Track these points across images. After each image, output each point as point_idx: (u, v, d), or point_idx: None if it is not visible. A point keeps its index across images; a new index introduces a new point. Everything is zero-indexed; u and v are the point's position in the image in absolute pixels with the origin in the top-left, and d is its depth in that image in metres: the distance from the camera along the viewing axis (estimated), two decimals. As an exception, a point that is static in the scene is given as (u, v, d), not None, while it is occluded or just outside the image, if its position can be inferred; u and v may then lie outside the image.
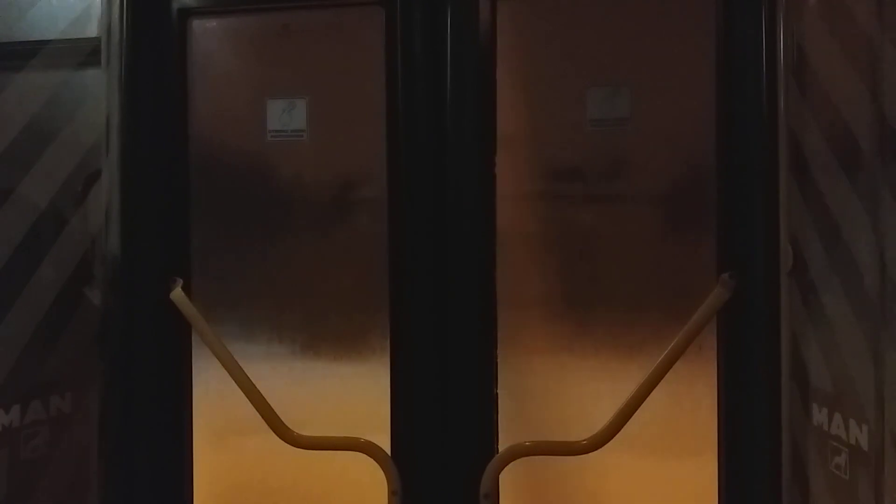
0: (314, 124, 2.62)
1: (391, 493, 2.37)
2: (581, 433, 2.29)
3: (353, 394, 2.56)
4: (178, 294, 2.59)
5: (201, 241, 2.69)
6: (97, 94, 2.60)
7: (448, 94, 2.51)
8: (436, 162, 2.52)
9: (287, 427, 2.43)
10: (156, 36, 2.67)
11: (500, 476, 2.36)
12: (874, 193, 1.84)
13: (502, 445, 2.44)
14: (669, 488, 2.39)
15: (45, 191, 2.50)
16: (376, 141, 2.56)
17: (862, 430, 1.87)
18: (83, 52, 2.60)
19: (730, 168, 2.36)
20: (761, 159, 2.31)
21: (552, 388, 2.48)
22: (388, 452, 2.44)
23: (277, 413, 2.44)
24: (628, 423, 2.25)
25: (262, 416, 2.44)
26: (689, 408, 2.38)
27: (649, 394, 2.25)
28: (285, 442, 2.43)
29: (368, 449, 2.40)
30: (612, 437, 2.25)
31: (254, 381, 2.47)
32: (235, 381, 2.48)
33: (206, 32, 2.70)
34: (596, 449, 2.26)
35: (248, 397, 2.46)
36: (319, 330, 2.61)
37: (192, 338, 2.65)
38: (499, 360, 2.51)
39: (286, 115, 2.63)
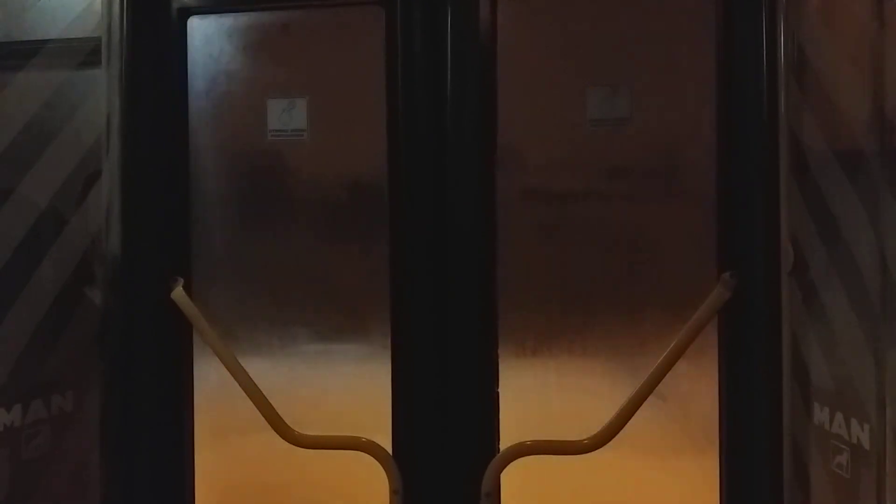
0: (315, 124, 2.62)
1: (392, 491, 2.38)
2: (582, 432, 2.29)
3: (355, 393, 2.56)
4: (178, 293, 2.59)
5: (202, 240, 2.69)
6: (97, 93, 2.60)
7: (448, 93, 2.51)
8: (436, 161, 2.52)
9: (288, 426, 2.44)
10: (156, 35, 2.67)
11: (501, 475, 2.37)
12: (874, 193, 1.85)
13: (503, 445, 2.45)
14: (671, 487, 2.39)
15: (45, 190, 2.49)
16: (377, 140, 2.56)
17: (863, 429, 1.88)
18: (83, 52, 2.60)
19: (730, 167, 2.36)
20: (762, 159, 2.31)
21: (553, 387, 2.48)
22: (390, 451, 2.44)
23: (278, 412, 2.44)
24: (629, 422, 2.25)
25: (264, 415, 2.44)
26: (690, 407, 2.39)
27: (650, 393, 2.25)
28: (286, 441, 2.44)
29: (370, 448, 2.41)
30: (613, 437, 2.26)
31: (255, 381, 2.48)
32: (236, 380, 2.48)
33: (206, 32, 2.69)
34: (597, 448, 2.27)
35: (249, 396, 2.46)
36: (320, 329, 2.61)
37: (193, 337, 2.65)
38: (500, 359, 2.51)
39: (286, 115, 2.63)
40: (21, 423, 2.35)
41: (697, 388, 2.38)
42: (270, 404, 2.44)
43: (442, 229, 2.51)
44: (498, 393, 2.51)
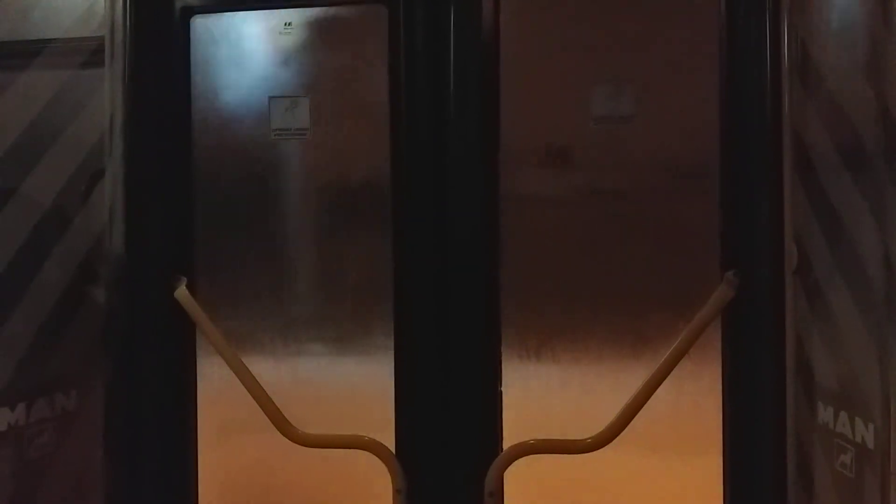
0: (318, 123, 2.62)
1: (395, 491, 2.38)
2: (585, 431, 2.29)
3: (358, 392, 2.56)
4: (182, 292, 2.59)
5: (205, 239, 2.69)
6: (100, 92, 2.60)
7: (451, 91, 2.51)
8: (439, 160, 2.52)
9: (291, 425, 2.44)
10: (159, 34, 2.67)
11: (504, 474, 2.36)
12: (879, 191, 1.84)
13: (507, 444, 2.45)
14: (674, 486, 2.39)
15: (48, 190, 2.50)
16: (380, 139, 2.56)
17: (868, 429, 1.87)
18: (86, 51, 2.60)
19: (734, 166, 2.36)
20: (765, 157, 2.31)
21: (556, 386, 2.47)
22: (393, 450, 2.44)
23: (282, 411, 2.44)
24: (633, 421, 2.25)
25: (267, 414, 2.45)
26: (693, 406, 2.38)
27: (654, 392, 2.25)
28: (290, 440, 2.44)
29: (373, 447, 2.41)
30: (616, 436, 2.25)
31: (258, 379, 2.48)
32: (240, 379, 2.48)
33: (209, 31, 2.70)
34: (600, 447, 2.27)
35: (252, 395, 2.46)
36: (324, 328, 2.61)
37: (197, 336, 2.66)
38: (503, 358, 2.50)
39: (290, 114, 2.63)
40: (25, 422, 2.35)
41: (701, 387, 2.38)
42: (274, 403, 2.45)
43: (445, 228, 2.51)
44: (501, 392, 2.50)
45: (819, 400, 2.10)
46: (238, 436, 2.66)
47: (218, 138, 2.69)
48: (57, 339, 2.47)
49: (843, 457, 1.98)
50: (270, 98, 2.64)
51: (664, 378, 2.25)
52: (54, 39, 2.56)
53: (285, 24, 2.65)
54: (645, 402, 2.25)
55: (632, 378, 2.34)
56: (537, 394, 2.48)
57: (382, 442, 2.43)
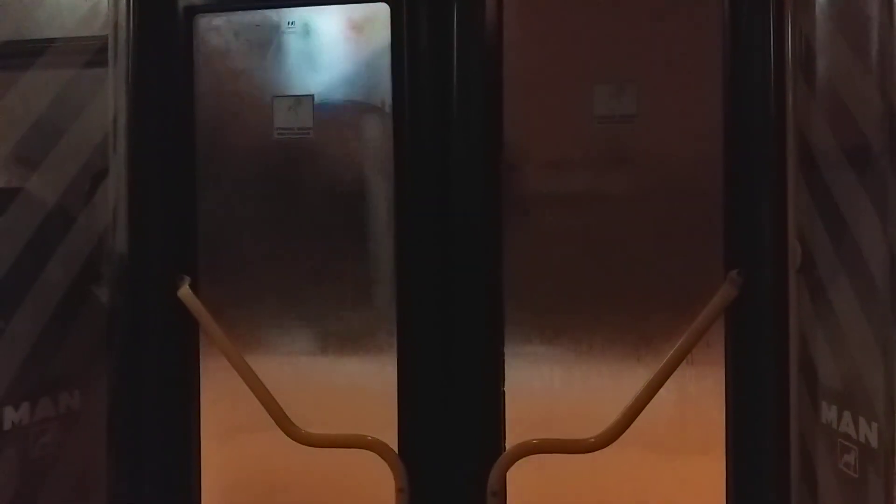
0: (320, 121, 2.62)
1: (398, 490, 2.38)
2: (588, 431, 2.29)
3: (361, 391, 2.56)
4: (185, 292, 2.59)
5: (208, 238, 2.69)
6: (104, 92, 2.61)
7: (454, 90, 2.50)
8: (442, 159, 2.52)
9: (294, 424, 2.44)
10: (162, 34, 2.67)
11: (507, 474, 2.36)
12: (883, 189, 1.84)
13: (509, 443, 2.44)
14: (677, 486, 2.39)
15: (52, 189, 2.50)
16: (383, 138, 2.56)
17: (871, 428, 1.86)
18: (90, 51, 2.61)
19: (737, 164, 2.35)
20: (769, 156, 2.30)
21: (559, 386, 2.47)
22: (396, 450, 2.44)
23: (284, 410, 2.45)
24: (636, 420, 2.24)
25: (270, 413, 2.45)
26: (696, 405, 2.38)
27: (657, 391, 2.25)
28: (293, 439, 2.44)
29: (375, 446, 2.41)
30: (619, 435, 2.25)
31: (261, 379, 2.48)
32: (243, 379, 2.48)
33: (212, 30, 2.70)
34: (603, 447, 2.26)
35: (255, 394, 2.46)
36: (327, 327, 2.61)
37: (200, 335, 2.66)
38: (506, 357, 2.50)
39: (292, 113, 2.63)
40: (29, 421, 2.36)
41: (704, 386, 2.37)
42: (276, 402, 2.45)
43: (448, 227, 2.51)
44: (504, 392, 2.50)
45: (823, 399, 2.09)
46: (241, 435, 2.67)
47: (221, 137, 2.70)
48: (61, 338, 2.48)
49: (847, 456, 1.97)
50: (273, 97, 2.64)
51: (667, 377, 2.25)
52: (58, 39, 2.57)
53: (288, 23, 2.65)
54: (648, 402, 2.24)
55: (635, 377, 2.34)
56: (540, 393, 2.48)
57: (385, 441, 2.43)
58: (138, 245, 2.63)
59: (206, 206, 2.70)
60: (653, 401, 2.25)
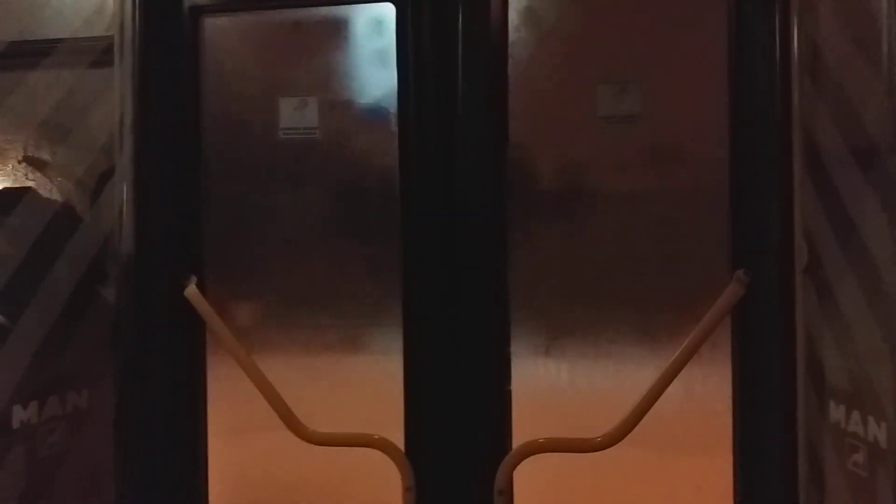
0: (326, 121, 2.62)
1: (405, 489, 2.38)
2: (595, 430, 2.29)
3: (367, 390, 2.57)
4: (191, 291, 2.59)
5: (214, 237, 2.69)
6: (110, 92, 2.61)
7: (459, 90, 2.50)
8: (447, 158, 2.52)
9: (301, 423, 2.44)
10: (168, 34, 2.67)
11: (513, 473, 2.36)
12: (890, 188, 1.84)
13: (516, 442, 2.44)
14: (684, 485, 2.38)
15: (59, 189, 2.51)
16: (388, 138, 2.56)
17: (880, 428, 1.86)
18: (96, 51, 2.61)
19: (743, 164, 2.35)
20: (775, 155, 2.30)
21: (566, 385, 2.47)
22: (402, 449, 2.45)
23: (291, 409, 2.45)
24: (643, 420, 2.24)
25: (277, 413, 2.45)
26: (703, 405, 2.38)
27: (664, 391, 2.25)
28: (299, 438, 2.44)
29: (382, 445, 2.41)
30: (626, 435, 2.25)
31: (268, 377, 2.48)
32: (249, 378, 2.49)
33: (218, 30, 2.70)
34: (610, 446, 2.26)
35: (262, 393, 2.46)
36: (333, 326, 2.62)
37: (206, 334, 2.66)
38: (512, 356, 2.50)
39: (298, 113, 2.64)
40: (38, 420, 2.36)
41: (710, 386, 2.37)
42: (283, 401, 2.45)
43: (453, 227, 2.51)
44: (510, 391, 2.50)
45: (830, 399, 2.09)
46: (248, 434, 2.67)
47: (227, 137, 2.70)
48: (68, 337, 2.48)
49: (856, 456, 1.97)
50: (279, 97, 2.64)
51: (674, 377, 2.25)
52: (64, 39, 2.57)
53: (293, 24, 2.65)
54: (655, 401, 2.24)
55: (641, 377, 2.34)
56: (546, 392, 2.48)
57: (392, 440, 2.43)
58: (145, 244, 2.63)
59: (213, 206, 2.70)
60: (660, 400, 2.24)
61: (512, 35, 2.51)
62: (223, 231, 2.70)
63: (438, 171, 2.52)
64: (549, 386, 2.48)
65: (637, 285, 2.43)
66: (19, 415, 2.31)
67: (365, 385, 2.58)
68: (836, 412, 2.05)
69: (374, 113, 2.60)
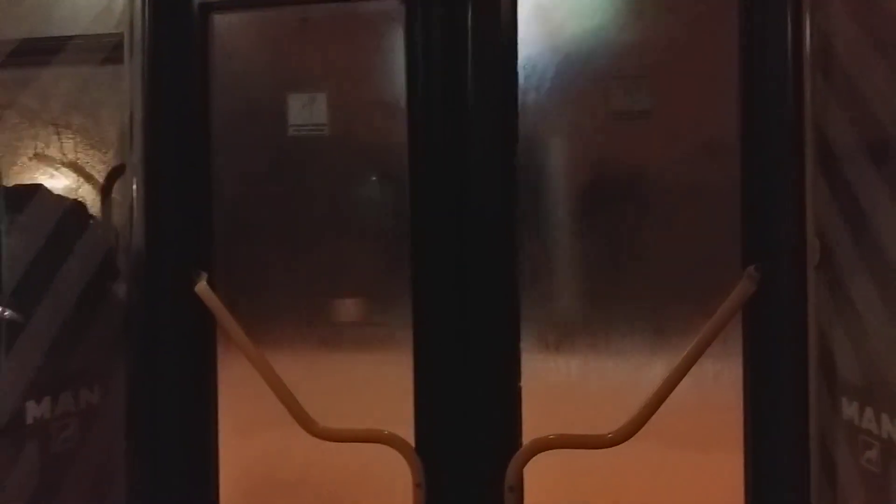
0: (335, 118, 2.62)
1: (415, 485, 2.38)
2: (606, 426, 2.28)
3: (378, 386, 2.57)
4: (202, 287, 2.60)
5: (225, 234, 2.70)
6: (120, 89, 2.62)
7: (469, 87, 2.50)
8: (457, 155, 2.51)
9: (312, 419, 2.45)
10: (178, 31, 2.68)
11: (524, 469, 2.36)
12: (903, 184, 1.83)
13: (527, 438, 2.44)
14: (695, 482, 2.38)
15: (69, 186, 2.52)
16: (397, 135, 2.56)
17: (894, 424, 1.86)
18: (106, 48, 2.62)
19: (755, 160, 2.34)
20: (787, 151, 2.29)
21: (576, 381, 2.47)
22: (413, 445, 2.45)
23: (302, 405, 2.45)
24: (654, 416, 2.24)
25: (287, 408, 2.45)
26: (715, 401, 2.37)
27: (675, 387, 2.24)
28: (310, 434, 2.44)
29: (392, 441, 2.41)
30: (637, 431, 2.24)
31: (278, 374, 2.49)
32: (260, 374, 2.49)
33: (228, 27, 2.70)
34: (621, 442, 2.26)
35: (272, 389, 2.47)
36: (343, 322, 2.62)
37: (217, 330, 2.67)
38: (522, 353, 2.50)
39: (307, 110, 2.64)
40: (50, 416, 2.38)
41: (722, 382, 2.37)
42: (294, 397, 2.45)
43: (464, 224, 2.51)
44: (521, 387, 2.50)
45: (843, 395, 2.08)
46: (258, 429, 2.67)
47: (236, 134, 2.70)
48: (79, 334, 2.49)
49: (869, 452, 1.97)
50: (288, 94, 2.64)
51: (685, 373, 2.24)
52: (74, 36, 2.57)
53: (302, 20, 2.65)
54: (666, 397, 2.23)
55: (653, 373, 2.33)
56: (557, 388, 2.48)
57: (402, 436, 2.43)
58: (155, 241, 2.64)
59: (223, 202, 2.70)
60: (671, 396, 2.24)
61: (521, 31, 2.50)
62: (233, 227, 2.70)
63: (448, 168, 2.52)
64: (559, 382, 2.48)
65: (648, 281, 2.42)
66: (32, 410, 2.32)
67: (375, 381, 2.58)
68: (849, 409, 2.05)
69: (383, 110, 2.59)
